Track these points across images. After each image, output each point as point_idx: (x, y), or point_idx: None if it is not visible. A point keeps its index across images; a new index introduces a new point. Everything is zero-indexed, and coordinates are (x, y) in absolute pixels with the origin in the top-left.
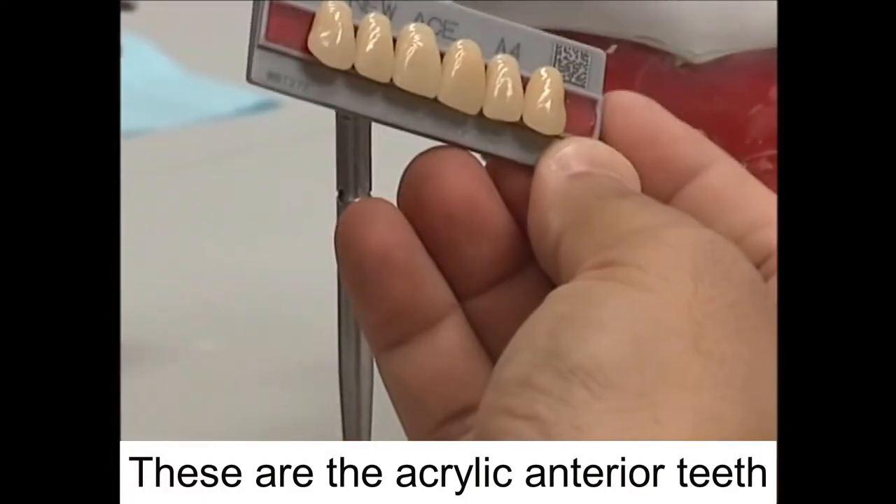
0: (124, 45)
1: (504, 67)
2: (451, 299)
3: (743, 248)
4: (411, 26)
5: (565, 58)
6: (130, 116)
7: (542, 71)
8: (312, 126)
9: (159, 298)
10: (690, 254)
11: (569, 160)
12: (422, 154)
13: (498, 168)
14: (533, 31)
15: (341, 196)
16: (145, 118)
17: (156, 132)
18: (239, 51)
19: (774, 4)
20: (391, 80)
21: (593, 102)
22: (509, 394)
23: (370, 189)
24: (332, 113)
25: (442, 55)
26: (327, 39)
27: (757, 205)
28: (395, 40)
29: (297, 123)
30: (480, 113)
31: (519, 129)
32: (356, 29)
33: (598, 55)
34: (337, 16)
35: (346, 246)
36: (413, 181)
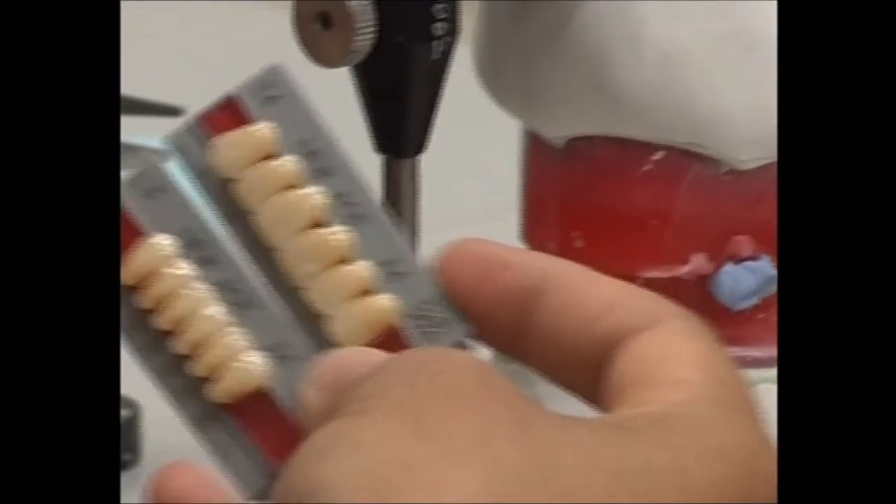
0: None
1: (361, 272)
2: None
3: (590, 341)
4: (309, 190)
5: (429, 311)
6: None
7: (385, 299)
8: None
9: None
10: (403, 367)
11: (320, 375)
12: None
13: None
14: (422, 272)
15: None
16: None
17: None
18: None
19: None
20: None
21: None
22: None
23: None
24: None
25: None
26: (232, 144)
27: (597, 295)
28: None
29: None
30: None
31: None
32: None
33: (457, 330)
34: (262, 135)
35: (151, 499)
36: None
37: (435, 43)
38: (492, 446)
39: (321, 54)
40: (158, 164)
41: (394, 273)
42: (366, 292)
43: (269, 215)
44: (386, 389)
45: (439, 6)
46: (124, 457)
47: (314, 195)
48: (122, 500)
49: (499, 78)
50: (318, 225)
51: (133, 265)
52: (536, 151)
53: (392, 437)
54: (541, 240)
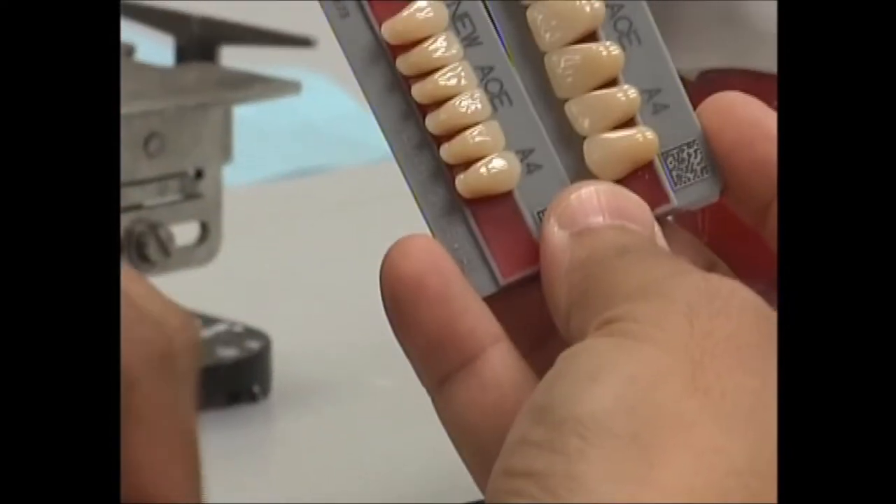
0: (305, 83)
1: (629, 95)
2: (494, 329)
3: None
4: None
5: (689, 155)
6: (311, 153)
7: (647, 132)
8: None
9: (336, 334)
10: (683, 296)
11: (572, 214)
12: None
13: None
14: (689, 110)
15: None
16: (325, 155)
17: (336, 169)
18: None
19: None
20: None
21: (667, 200)
22: (508, 454)
23: None
24: None
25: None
26: None
27: None
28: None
29: None
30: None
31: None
32: None
33: (710, 184)
34: None
35: (384, 278)
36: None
37: None
38: (768, 415)
39: None
40: None
41: (658, 104)
42: (629, 121)
43: (540, 16)
44: (665, 318)
45: None
46: (254, 389)
47: (593, 3)
48: (252, 432)
49: None
50: (590, 36)
51: (398, 26)
52: None
53: (667, 380)
54: None
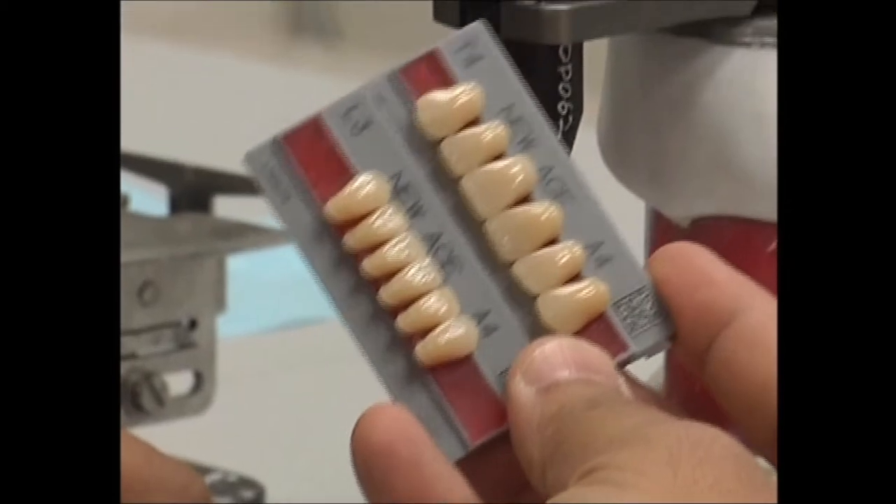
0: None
1: (574, 252)
2: (466, 493)
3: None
4: (518, 163)
5: (639, 302)
6: (305, 304)
7: (599, 284)
8: None
9: (330, 485)
10: (665, 445)
11: (538, 370)
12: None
13: None
14: (633, 259)
15: None
16: (319, 306)
17: (329, 321)
18: None
19: None
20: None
21: (625, 348)
22: None
23: None
24: None
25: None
26: (436, 106)
27: None
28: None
29: None
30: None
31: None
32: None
33: (663, 328)
34: (470, 100)
35: (355, 448)
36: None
37: (560, 121)
38: None
39: None
40: (368, 97)
41: (601, 257)
42: (576, 276)
43: (475, 186)
44: (648, 467)
45: (563, 85)
46: None
47: (524, 168)
48: None
49: (623, 155)
50: (524, 200)
51: (341, 203)
52: (661, 231)
53: None
54: None
